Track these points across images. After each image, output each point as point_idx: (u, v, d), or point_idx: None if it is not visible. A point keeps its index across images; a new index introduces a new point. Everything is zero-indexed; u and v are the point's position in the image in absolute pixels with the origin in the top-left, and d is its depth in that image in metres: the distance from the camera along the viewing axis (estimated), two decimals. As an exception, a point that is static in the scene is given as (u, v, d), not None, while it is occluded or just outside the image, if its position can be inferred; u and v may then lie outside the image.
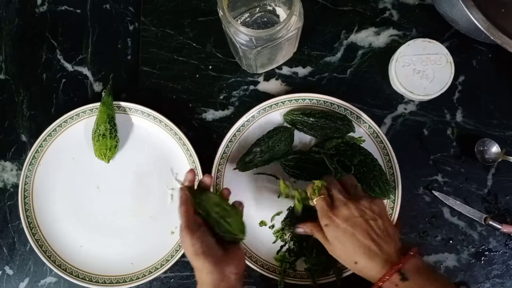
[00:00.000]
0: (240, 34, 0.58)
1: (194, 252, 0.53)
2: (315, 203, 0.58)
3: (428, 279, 0.51)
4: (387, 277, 0.51)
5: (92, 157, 0.73)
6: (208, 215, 0.56)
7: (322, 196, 0.58)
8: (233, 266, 0.54)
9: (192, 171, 0.61)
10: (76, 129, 0.73)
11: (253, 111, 0.70)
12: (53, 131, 0.73)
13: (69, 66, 0.77)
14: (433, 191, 0.71)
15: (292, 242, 0.70)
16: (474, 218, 0.70)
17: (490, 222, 0.69)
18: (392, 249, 0.53)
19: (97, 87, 0.77)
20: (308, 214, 0.63)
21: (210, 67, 0.75)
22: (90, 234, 0.73)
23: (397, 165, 0.69)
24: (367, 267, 0.53)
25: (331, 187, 0.58)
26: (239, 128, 0.71)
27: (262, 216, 0.71)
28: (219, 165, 0.70)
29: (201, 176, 0.70)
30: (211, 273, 0.53)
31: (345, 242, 0.54)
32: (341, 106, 0.70)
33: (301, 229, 0.60)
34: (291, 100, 0.71)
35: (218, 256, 0.54)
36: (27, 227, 0.72)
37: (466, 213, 0.70)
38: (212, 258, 0.53)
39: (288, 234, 0.70)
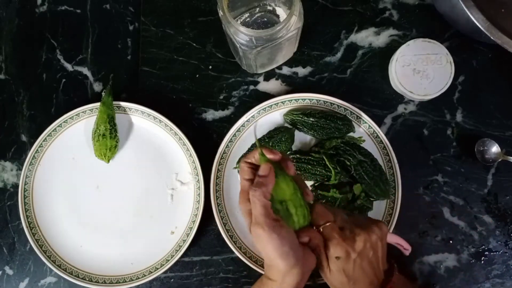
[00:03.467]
0: (240, 34, 0.58)
1: (282, 255, 0.46)
2: (321, 230, 0.51)
3: None
4: None
5: (92, 157, 0.73)
6: (280, 204, 0.49)
7: (330, 223, 0.51)
8: (311, 260, 0.50)
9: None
10: (76, 129, 0.73)
11: (253, 111, 0.70)
12: (53, 131, 0.73)
13: (69, 66, 0.77)
14: None
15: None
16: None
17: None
18: (382, 272, 0.53)
19: (97, 87, 0.77)
20: None
21: (210, 67, 0.75)
22: (90, 234, 0.73)
23: (397, 165, 0.69)
24: None
25: (336, 214, 0.53)
26: (239, 128, 0.71)
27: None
28: (219, 165, 0.70)
29: (201, 178, 0.70)
30: (297, 274, 0.47)
31: (351, 275, 0.51)
32: (341, 106, 0.70)
33: (307, 238, 0.51)
34: (291, 100, 0.71)
35: (301, 254, 0.48)
36: (27, 227, 0.72)
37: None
38: (300, 259, 0.47)
39: None
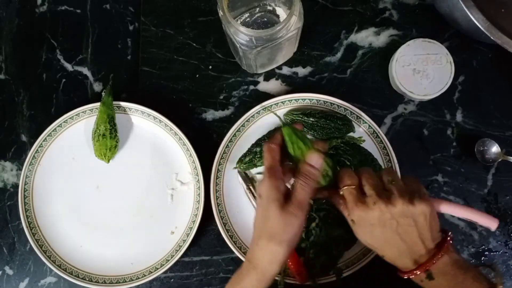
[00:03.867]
0: (240, 34, 0.58)
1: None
2: (341, 192, 0.53)
3: (453, 280, 0.49)
4: (413, 275, 0.51)
5: (92, 157, 0.73)
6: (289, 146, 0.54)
7: (350, 187, 0.52)
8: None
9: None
10: (76, 129, 0.73)
11: (253, 111, 0.70)
12: (53, 131, 0.73)
13: (69, 66, 0.77)
14: None
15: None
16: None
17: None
18: (424, 250, 0.50)
19: (97, 87, 0.77)
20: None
21: (210, 67, 0.75)
22: (90, 234, 0.73)
23: (397, 165, 0.69)
24: (395, 261, 0.53)
25: (364, 179, 0.53)
26: (239, 128, 0.71)
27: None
28: (219, 165, 0.70)
29: (201, 178, 0.70)
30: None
31: (373, 237, 0.52)
32: (341, 106, 0.70)
33: (322, 196, 0.55)
34: (291, 100, 0.71)
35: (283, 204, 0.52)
36: (27, 227, 0.72)
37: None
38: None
39: None
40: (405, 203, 0.50)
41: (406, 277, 0.52)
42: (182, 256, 0.70)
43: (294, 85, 0.74)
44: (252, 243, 0.54)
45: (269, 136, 0.69)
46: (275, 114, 0.64)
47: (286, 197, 0.52)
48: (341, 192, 0.53)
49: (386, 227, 0.51)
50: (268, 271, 0.51)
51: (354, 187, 0.52)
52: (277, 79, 0.75)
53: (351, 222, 0.53)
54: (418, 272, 0.50)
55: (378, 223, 0.51)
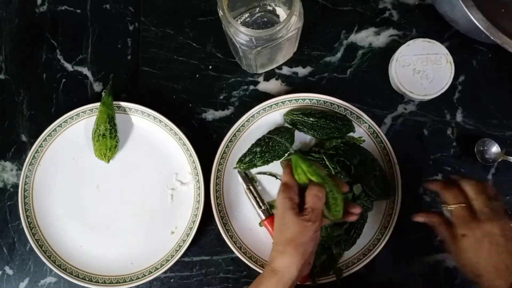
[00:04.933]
0: (240, 34, 0.58)
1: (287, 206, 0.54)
2: (451, 208, 0.56)
3: None
4: None
5: (92, 157, 0.73)
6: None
7: (462, 204, 0.55)
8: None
9: None
10: (76, 129, 0.73)
11: (253, 111, 0.70)
12: (53, 131, 0.73)
13: (69, 66, 0.77)
14: None
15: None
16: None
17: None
18: None
19: (97, 87, 0.77)
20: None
21: (210, 67, 0.75)
22: (90, 234, 0.73)
23: (397, 165, 0.69)
24: (491, 284, 0.53)
25: (476, 196, 0.56)
26: (239, 128, 0.71)
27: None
28: (219, 165, 0.71)
29: (201, 178, 0.70)
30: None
31: (479, 255, 0.53)
32: (341, 106, 0.70)
33: (422, 219, 0.59)
34: (291, 100, 0.71)
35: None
36: (27, 227, 0.72)
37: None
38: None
39: None
40: (510, 220, 0.53)
41: None
42: (182, 256, 0.70)
43: (294, 85, 0.74)
44: (272, 249, 0.56)
45: (269, 136, 0.69)
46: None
47: (301, 209, 0.54)
48: (449, 208, 0.56)
49: (496, 244, 0.52)
50: (285, 274, 0.53)
51: (464, 205, 0.55)
52: (277, 79, 0.75)
53: (460, 237, 0.55)
54: None
55: (489, 239, 0.53)
